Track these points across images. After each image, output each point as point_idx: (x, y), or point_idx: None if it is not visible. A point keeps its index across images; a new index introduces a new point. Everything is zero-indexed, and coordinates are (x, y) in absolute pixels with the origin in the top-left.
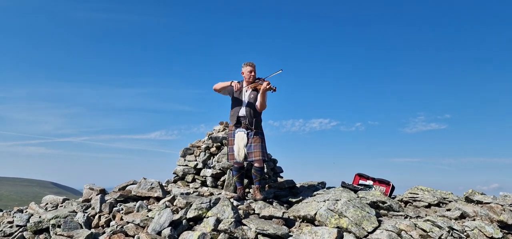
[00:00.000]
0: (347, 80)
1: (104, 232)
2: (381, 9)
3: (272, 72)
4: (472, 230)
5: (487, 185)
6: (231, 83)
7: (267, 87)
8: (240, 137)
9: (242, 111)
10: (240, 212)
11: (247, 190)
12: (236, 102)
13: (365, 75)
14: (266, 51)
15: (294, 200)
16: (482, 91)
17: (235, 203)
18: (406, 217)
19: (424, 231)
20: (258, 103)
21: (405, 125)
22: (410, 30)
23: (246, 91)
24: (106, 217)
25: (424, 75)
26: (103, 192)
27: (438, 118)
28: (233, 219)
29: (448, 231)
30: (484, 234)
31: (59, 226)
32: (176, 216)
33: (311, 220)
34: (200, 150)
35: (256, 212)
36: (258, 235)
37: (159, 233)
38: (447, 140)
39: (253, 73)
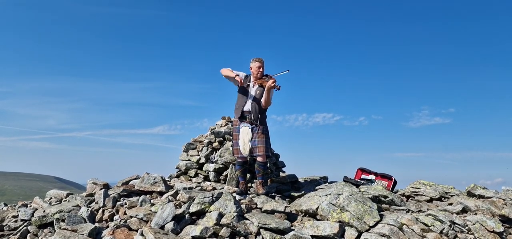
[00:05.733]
0: (351, 74)
1: (107, 226)
2: (386, 4)
3: (278, 68)
4: (474, 224)
5: (491, 180)
6: (235, 77)
7: (272, 85)
8: (245, 131)
9: (248, 106)
10: (243, 206)
11: (249, 184)
12: (242, 96)
13: (369, 69)
14: (270, 46)
15: (296, 194)
16: (487, 85)
17: (237, 197)
18: (407, 211)
19: (426, 225)
20: (263, 100)
21: (409, 119)
22: (414, 24)
23: (253, 87)
24: (109, 212)
25: (429, 68)
26: (106, 186)
27: (442, 112)
28: (235, 214)
29: (450, 225)
30: (486, 228)
31: (63, 220)
32: (179, 211)
33: (313, 215)
34: (203, 145)
35: (258, 206)
36: (260, 229)
37: (162, 227)
38: (451, 134)
39: (261, 69)
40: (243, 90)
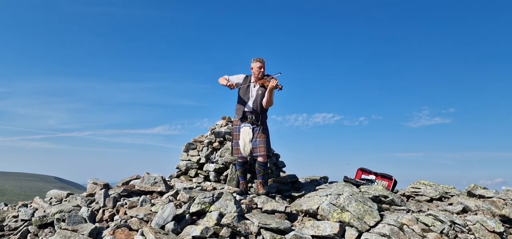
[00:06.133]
0: (351, 74)
1: (108, 226)
2: (386, 4)
3: (279, 68)
4: (474, 224)
5: (491, 180)
6: (227, 84)
7: (274, 85)
8: (246, 131)
9: (249, 106)
10: (243, 206)
11: (249, 184)
12: (243, 96)
13: (369, 69)
14: (270, 46)
15: (296, 194)
16: (487, 85)
17: (238, 197)
18: (408, 211)
19: (426, 225)
20: (264, 100)
21: (409, 120)
22: (414, 24)
23: (254, 87)
24: (110, 212)
25: (429, 68)
26: (106, 186)
27: (442, 112)
28: (236, 214)
29: (450, 225)
30: (486, 229)
31: (63, 221)
32: (179, 211)
33: (313, 215)
34: (203, 145)
35: (258, 206)
36: (261, 229)
37: (162, 227)
38: (451, 134)
39: (262, 69)
40: (244, 91)
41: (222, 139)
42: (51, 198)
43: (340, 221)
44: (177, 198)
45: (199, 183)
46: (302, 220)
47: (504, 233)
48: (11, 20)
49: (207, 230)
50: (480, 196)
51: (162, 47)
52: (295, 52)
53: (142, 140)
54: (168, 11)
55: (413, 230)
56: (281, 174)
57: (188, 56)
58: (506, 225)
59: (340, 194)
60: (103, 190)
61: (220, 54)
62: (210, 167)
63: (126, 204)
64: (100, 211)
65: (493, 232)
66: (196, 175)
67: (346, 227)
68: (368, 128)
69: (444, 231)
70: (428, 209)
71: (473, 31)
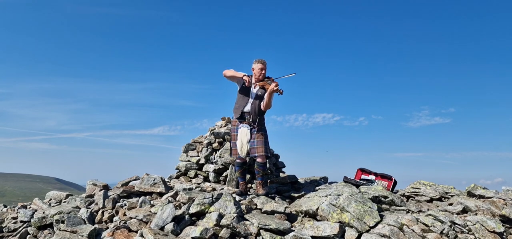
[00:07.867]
0: (350, 74)
1: (107, 228)
2: (386, 3)
3: (278, 68)
4: (474, 224)
5: (491, 179)
6: (243, 77)
7: (274, 88)
8: (244, 132)
9: (248, 107)
10: (243, 207)
11: (249, 185)
12: (243, 96)
13: (369, 69)
14: (269, 46)
15: (296, 195)
16: (487, 84)
17: (237, 198)
18: (408, 212)
19: (426, 225)
20: (263, 103)
21: (409, 119)
22: (414, 23)
23: (254, 88)
24: (109, 213)
25: (429, 68)
26: (106, 187)
27: (442, 112)
28: (235, 214)
29: (450, 226)
30: (486, 229)
31: (62, 222)
32: (179, 212)
33: (313, 215)
34: (203, 146)
35: (258, 207)
36: (261, 230)
37: (162, 228)
38: (451, 134)
39: (263, 71)
40: (244, 91)
41: (221, 139)
42: (51, 199)
43: (340, 222)
44: (177, 199)
45: (198, 184)
46: (301, 220)
47: (504, 233)
48: (11, 20)
49: (206, 231)
50: (480, 196)
51: (162, 47)
52: (295, 52)
53: (141, 140)
54: (167, 11)
55: (413, 230)
56: (281, 174)
57: (188, 56)
58: (506, 225)
59: (339, 195)
60: (103, 191)
61: (220, 54)
62: (209, 167)
63: (125, 205)
64: (100, 212)
65: (493, 232)
66: (196, 176)
67: (346, 228)
68: (368, 128)
69: (444, 232)
70: (428, 209)
71: (473, 31)
